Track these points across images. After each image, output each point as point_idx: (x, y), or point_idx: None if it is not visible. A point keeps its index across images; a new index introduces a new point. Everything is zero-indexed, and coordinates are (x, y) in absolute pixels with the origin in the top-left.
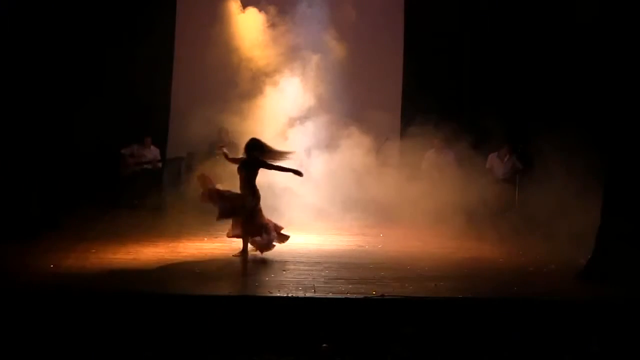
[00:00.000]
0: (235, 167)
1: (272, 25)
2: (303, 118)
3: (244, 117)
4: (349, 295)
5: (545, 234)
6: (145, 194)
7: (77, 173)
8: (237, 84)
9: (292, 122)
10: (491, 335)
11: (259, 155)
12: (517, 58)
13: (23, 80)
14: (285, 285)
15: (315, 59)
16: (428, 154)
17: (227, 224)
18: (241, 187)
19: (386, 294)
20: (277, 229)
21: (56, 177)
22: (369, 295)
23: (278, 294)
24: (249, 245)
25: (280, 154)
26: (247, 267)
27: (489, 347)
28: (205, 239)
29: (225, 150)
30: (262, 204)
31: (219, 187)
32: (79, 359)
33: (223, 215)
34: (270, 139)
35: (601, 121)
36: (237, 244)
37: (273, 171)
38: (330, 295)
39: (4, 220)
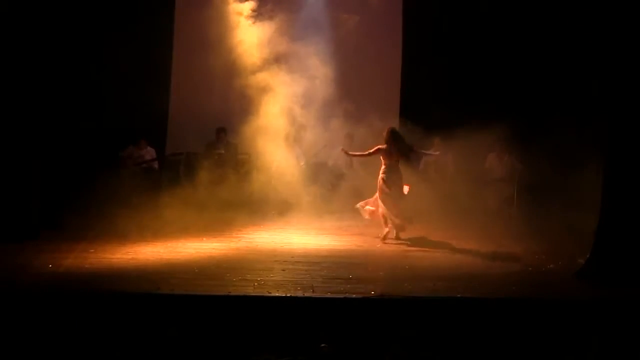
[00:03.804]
0: None
1: (271, 24)
2: (302, 118)
3: (242, 116)
4: (347, 295)
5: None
6: (145, 193)
7: (77, 173)
8: (235, 84)
9: (291, 122)
10: (491, 335)
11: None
12: (517, 58)
13: (23, 80)
14: (284, 285)
15: (314, 59)
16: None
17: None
18: (394, 171)
19: (385, 294)
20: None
21: (56, 176)
22: (368, 295)
23: (277, 294)
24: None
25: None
26: None
27: (489, 347)
28: (204, 238)
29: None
30: None
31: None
32: (79, 359)
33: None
34: (269, 139)
35: (600, 120)
36: (235, 243)
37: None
38: (329, 295)
39: (4, 220)
